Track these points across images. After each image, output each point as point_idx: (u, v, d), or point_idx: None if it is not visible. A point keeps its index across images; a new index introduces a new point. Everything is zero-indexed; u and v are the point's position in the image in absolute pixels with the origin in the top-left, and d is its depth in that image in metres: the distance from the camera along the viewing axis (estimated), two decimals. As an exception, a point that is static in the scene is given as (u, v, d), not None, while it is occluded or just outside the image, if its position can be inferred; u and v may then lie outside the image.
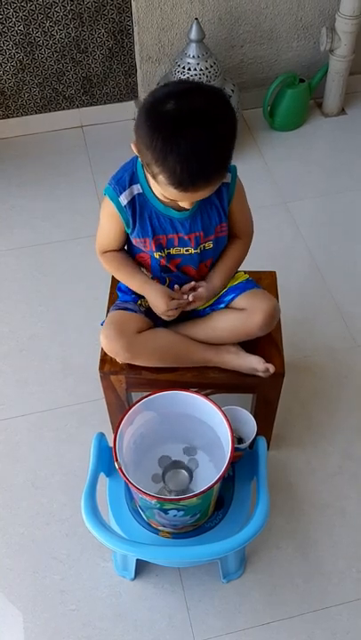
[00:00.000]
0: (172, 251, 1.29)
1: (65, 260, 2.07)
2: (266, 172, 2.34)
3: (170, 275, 1.33)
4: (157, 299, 1.29)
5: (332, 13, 2.34)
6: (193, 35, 2.09)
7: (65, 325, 1.89)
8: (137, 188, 1.22)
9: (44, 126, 2.48)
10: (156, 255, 1.29)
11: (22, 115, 2.44)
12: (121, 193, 1.22)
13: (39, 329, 1.89)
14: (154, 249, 1.27)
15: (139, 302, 1.38)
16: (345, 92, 2.50)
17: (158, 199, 1.22)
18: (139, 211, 1.24)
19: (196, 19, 2.09)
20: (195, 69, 2.13)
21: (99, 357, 1.39)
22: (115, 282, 1.50)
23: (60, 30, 2.24)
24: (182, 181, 1.06)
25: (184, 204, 1.16)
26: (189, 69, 2.13)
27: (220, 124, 1.04)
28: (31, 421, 1.69)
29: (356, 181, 2.31)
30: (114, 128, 2.51)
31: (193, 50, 2.12)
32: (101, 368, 1.37)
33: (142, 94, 2.45)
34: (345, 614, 1.37)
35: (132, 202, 1.23)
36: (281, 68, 2.48)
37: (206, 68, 2.13)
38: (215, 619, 1.37)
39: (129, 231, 1.28)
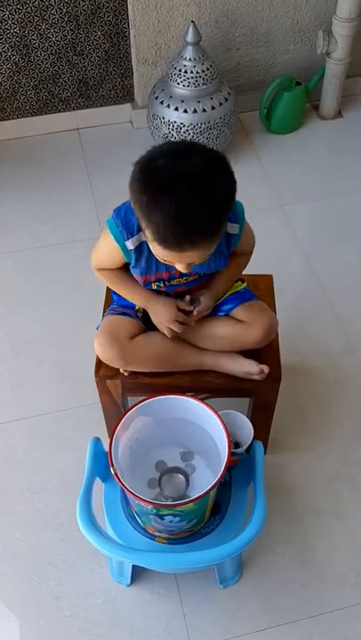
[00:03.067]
0: (174, 282, 1.28)
1: (62, 263, 2.06)
2: (263, 175, 2.33)
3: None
4: (165, 310, 1.27)
5: (329, 16, 2.34)
6: (189, 37, 2.08)
7: (61, 329, 1.88)
8: (145, 235, 1.17)
9: (40, 129, 2.48)
10: (154, 286, 1.28)
11: (18, 117, 2.44)
12: (128, 238, 1.19)
13: (36, 332, 1.88)
14: (153, 282, 1.27)
15: (136, 308, 1.37)
16: (341, 94, 2.50)
17: None
18: (146, 254, 1.21)
19: (193, 21, 2.09)
20: (191, 72, 2.12)
21: (94, 361, 1.38)
22: (111, 285, 1.50)
23: (56, 32, 2.23)
24: (166, 240, 1.03)
25: (179, 268, 1.13)
26: (185, 72, 2.12)
27: (211, 189, 1.00)
28: (27, 426, 1.68)
29: (353, 184, 2.30)
30: (110, 131, 2.51)
31: (189, 52, 2.11)
32: (97, 372, 1.37)
33: (138, 97, 2.45)
34: (343, 619, 1.36)
35: (139, 247, 1.20)
36: (278, 71, 2.48)
37: (202, 71, 2.13)
38: (212, 625, 1.36)
39: (130, 264, 1.25)
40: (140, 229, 1.17)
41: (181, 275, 1.24)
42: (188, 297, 1.31)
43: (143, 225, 1.06)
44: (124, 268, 1.30)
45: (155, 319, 1.31)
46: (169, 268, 1.21)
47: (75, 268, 2.05)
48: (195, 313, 1.30)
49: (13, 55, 2.26)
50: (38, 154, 2.42)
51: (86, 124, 2.51)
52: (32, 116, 2.45)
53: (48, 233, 2.16)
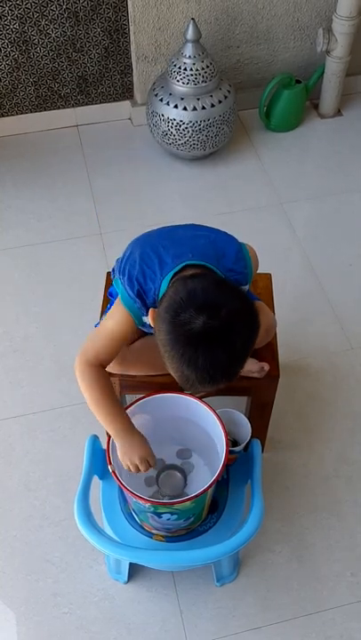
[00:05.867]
0: None
1: (60, 260, 2.06)
2: (262, 173, 2.33)
3: None
4: (143, 446, 1.18)
5: (329, 14, 2.34)
6: (189, 35, 2.08)
7: (59, 326, 1.88)
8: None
9: (40, 125, 2.47)
10: None
11: (17, 114, 2.43)
12: (146, 314, 1.15)
13: (34, 329, 1.88)
14: None
15: None
16: (341, 93, 2.49)
17: None
18: None
19: (193, 18, 2.08)
20: (191, 69, 2.12)
21: (93, 359, 1.38)
22: (108, 283, 1.49)
23: (56, 29, 2.23)
24: (191, 387, 1.04)
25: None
26: (185, 69, 2.12)
27: (240, 346, 1.01)
28: (25, 423, 1.68)
29: (352, 183, 2.30)
30: (109, 127, 2.50)
31: (189, 50, 2.11)
32: (95, 370, 1.36)
33: (138, 94, 2.45)
34: (339, 618, 1.37)
35: None
36: (277, 69, 2.48)
37: (202, 69, 2.12)
38: (209, 622, 1.36)
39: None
40: (154, 305, 1.13)
41: None
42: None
43: (168, 366, 1.03)
44: (112, 389, 1.22)
45: (125, 451, 1.17)
46: None
47: (73, 264, 2.04)
48: None
49: (13, 51, 2.25)
50: (37, 150, 2.42)
51: (85, 120, 2.50)
52: (31, 112, 2.44)
53: (46, 229, 2.15)
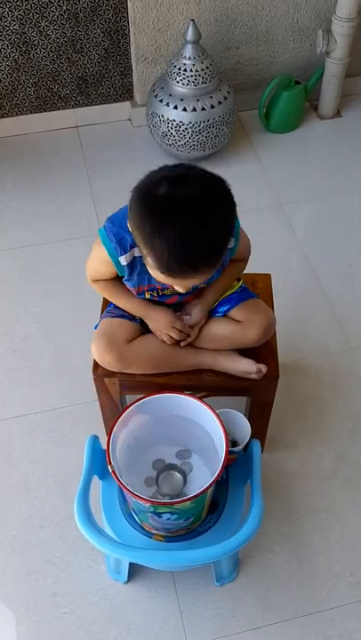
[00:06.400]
0: (167, 292, 1.28)
1: (60, 260, 2.06)
2: (261, 174, 2.33)
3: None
4: (163, 316, 1.29)
5: (329, 16, 2.34)
6: (189, 36, 2.08)
7: (59, 326, 1.88)
8: (138, 250, 1.14)
9: (40, 126, 2.48)
10: (147, 295, 1.29)
11: (17, 114, 2.43)
12: (122, 254, 1.19)
13: (34, 330, 1.88)
14: (146, 291, 1.27)
15: None
16: (341, 94, 2.50)
17: None
18: (139, 268, 1.22)
19: (193, 20, 2.09)
20: (190, 70, 2.12)
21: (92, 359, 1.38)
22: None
23: (56, 30, 2.23)
24: (169, 267, 1.02)
25: (178, 289, 1.13)
26: (185, 70, 2.12)
27: (212, 216, 0.99)
28: (25, 423, 1.68)
29: (352, 183, 2.31)
30: (109, 128, 2.51)
31: (189, 51, 2.11)
32: (95, 370, 1.37)
33: (138, 95, 2.45)
34: (338, 618, 1.37)
35: (132, 262, 1.21)
36: (277, 70, 2.48)
37: (202, 70, 2.12)
38: (208, 622, 1.36)
39: (123, 277, 1.26)
40: (132, 245, 1.17)
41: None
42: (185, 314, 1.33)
43: (144, 252, 1.04)
44: (119, 279, 1.30)
45: (153, 326, 1.32)
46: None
47: (73, 265, 2.05)
48: (186, 322, 1.32)
49: (13, 52, 2.26)
50: (37, 151, 2.42)
51: (85, 121, 2.51)
52: (31, 113, 2.44)
53: (46, 230, 2.16)
